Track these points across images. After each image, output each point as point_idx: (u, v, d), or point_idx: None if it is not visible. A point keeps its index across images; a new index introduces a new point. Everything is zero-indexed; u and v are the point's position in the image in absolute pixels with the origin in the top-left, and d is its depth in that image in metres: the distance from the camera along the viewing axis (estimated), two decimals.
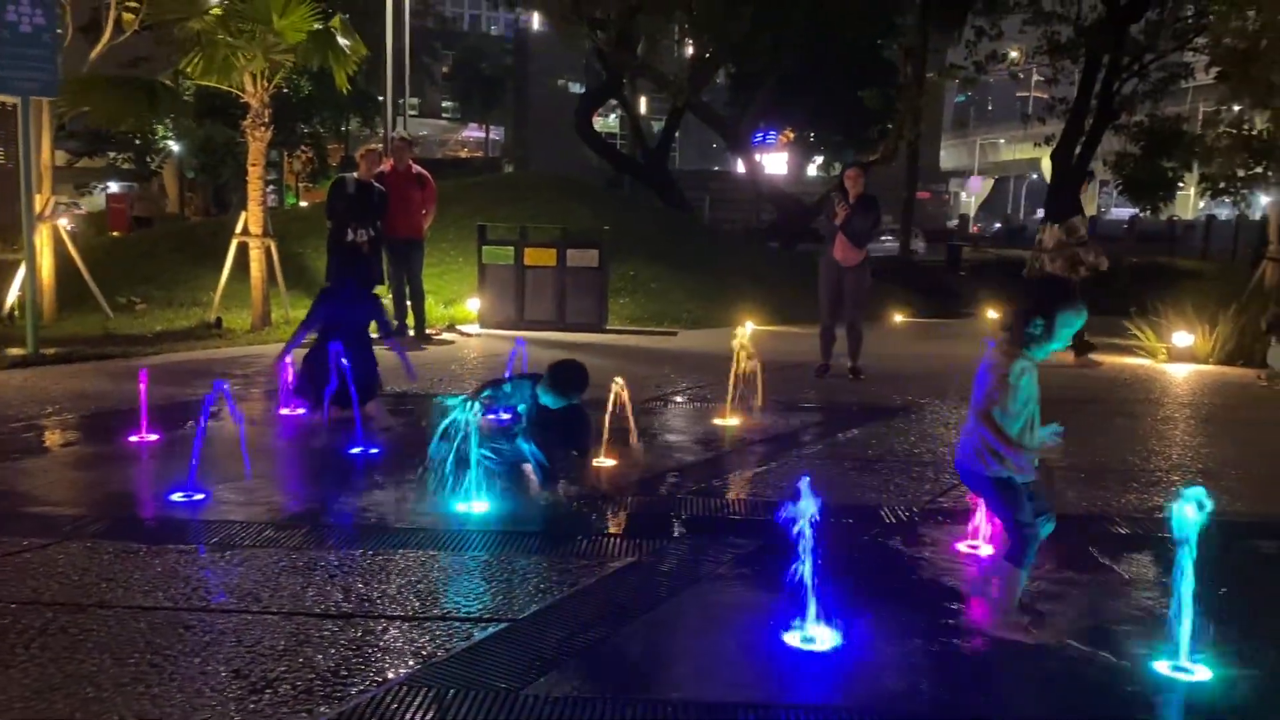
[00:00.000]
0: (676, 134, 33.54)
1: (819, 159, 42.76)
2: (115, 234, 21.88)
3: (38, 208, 10.72)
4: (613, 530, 4.64)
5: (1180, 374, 9.83)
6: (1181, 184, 21.36)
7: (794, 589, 3.28)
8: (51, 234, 10.92)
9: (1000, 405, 3.31)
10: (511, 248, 12.14)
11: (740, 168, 31.40)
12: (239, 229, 11.09)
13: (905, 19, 22.47)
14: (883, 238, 7.64)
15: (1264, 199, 12.79)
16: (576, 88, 51.51)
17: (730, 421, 6.83)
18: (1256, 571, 4.29)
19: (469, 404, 4.72)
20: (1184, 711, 3.00)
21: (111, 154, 30.87)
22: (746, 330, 7.14)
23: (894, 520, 4.76)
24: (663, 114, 36.90)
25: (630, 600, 3.69)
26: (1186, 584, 3.10)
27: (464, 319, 12.20)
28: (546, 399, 4.95)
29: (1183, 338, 10.60)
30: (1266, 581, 4.21)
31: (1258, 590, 4.03)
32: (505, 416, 5.22)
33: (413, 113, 46.96)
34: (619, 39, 22.91)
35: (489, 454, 4.92)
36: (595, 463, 5.53)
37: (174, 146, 28.03)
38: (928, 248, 26.67)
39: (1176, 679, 3.13)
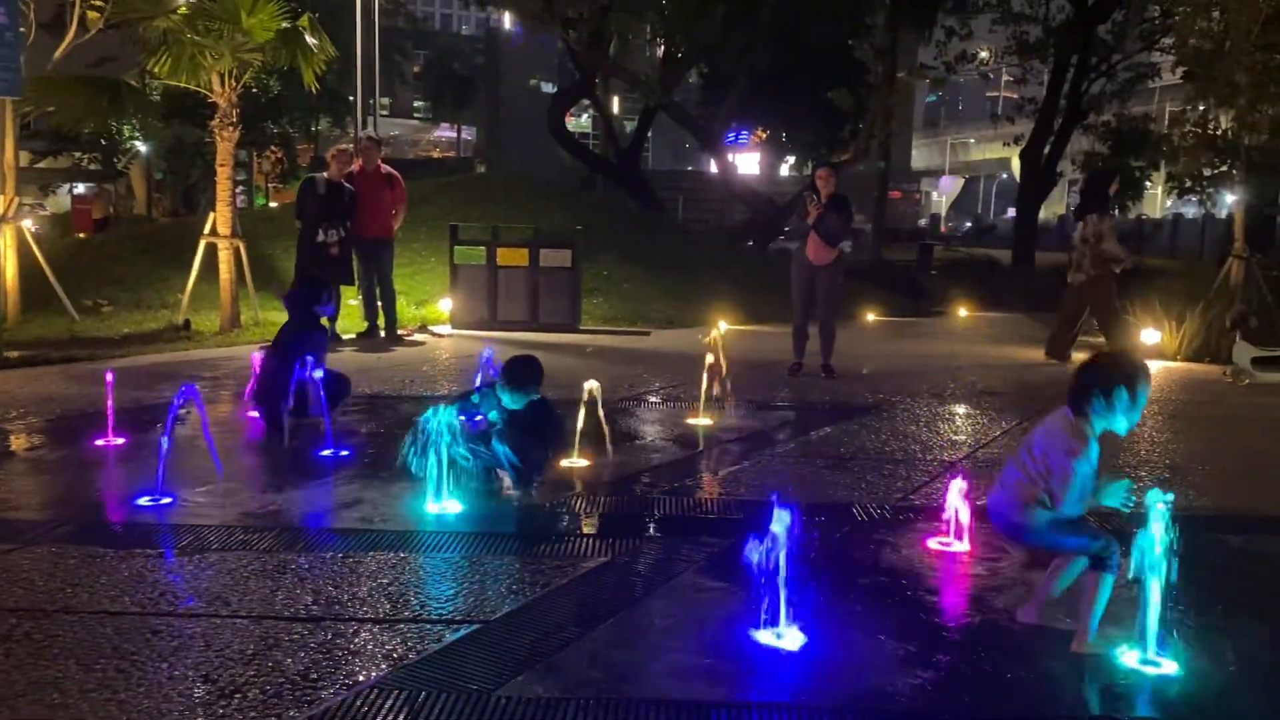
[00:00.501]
0: (649, 134, 33.55)
1: (791, 159, 42.89)
2: (81, 235, 21.61)
3: (1, 208, 10.59)
4: (585, 530, 4.63)
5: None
6: (1149, 183, 21.60)
7: (767, 588, 3.28)
8: (15, 235, 10.78)
9: (1062, 498, 3.24)
10: (484, 248, 12.09)
11: (713, 168, 31.46)
12: (207, 230, 10.98)
13: (875, 19, 22.60)
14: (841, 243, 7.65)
15: (1229, 198, 12.94)
16: (549, 87, 51.43)
17: (704, 420, 6.83)
18: (1223, 565, 4.34)
19: (445, 411, 4.72)
20: (1153, 704, 3.02)
21: (77, 154, 30.49)
22: (719, 330, 7.15)
23: (866, 518, 4.77)
24: (635, 114, 36.90)
25: (603, 600, 3.68)
26: (1154, 579, 3.13)
27: (436, 319, 12.14)
28: (507, 398, 4.94)
29: (1150, 335, 10.72)
30: (1233, 575, 4.26)
31: (1224, 584, 4.07)
32: (479, 419, 5.19)
33: (384, 113, 46.69)
34: (591, 38, 22.88)
35: (465, 455, 4.90)
36: (568, 463, 5.52)
37: (141, 147, 27.73)
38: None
39: (1145, 672, 3.15)
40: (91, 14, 11.48)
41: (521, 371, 4.99)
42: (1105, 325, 10.25)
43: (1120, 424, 3.30)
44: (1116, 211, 10.38)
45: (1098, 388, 3.27)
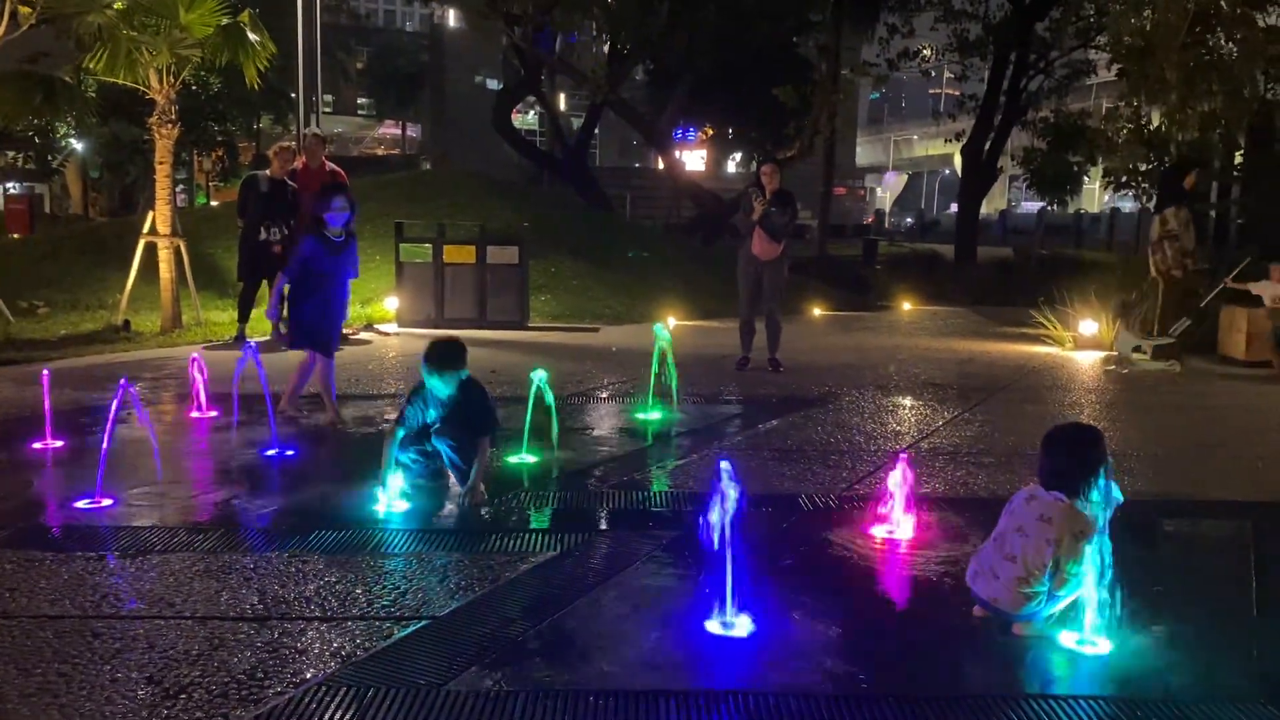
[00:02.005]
0: (596, 131, 33.52)
1: (737, 155, 43.13)
2: (14, 236, 21.10)
3: None
4: (534, 525, 4.64)
5: (1086, 361, 10.15)
6: (1087, 178, 22.05)
7: (715, 577, 3.32)
8: None
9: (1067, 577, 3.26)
10: (429, 245, 12.00)
11: (660, 164, 31.51)
12: (146, 229, 10.78)
13: (819, 16, 22.79)
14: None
15: None
16: (494, 84, 51.13)
17: (653, 415, 6.86)
18: (1157, 548, 4.47)
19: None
20: (1090, 681, 3.11)
21: (10, 153, 29.76)
22: (668, 326, 7.18)
23: (812, 507, 4.84)
24: (582, 111, 36.87)
25: (552, 594, 3.69)
26: (1092, 562, 3.23)
27: (381, 318, 12.04)
28: (435, 384, 4.88)
29: (1088, 326, 10.96)
30: (1166, 557, 4.39)
31: (1157, 566, 4.20)
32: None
33: (327, 110, 46.08)
34: (535, 35, 22.81)
35: (414, 458, 4.89)
36: (517, 459, 5.52)
37: (76, 145, 27.14)
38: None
39: (1082, 652, 3.24)
40: (23, 9, 11.19)
41: (442, 352, 4.93)
42: (1165, 323, 9.95)
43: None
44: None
45: (1099, 467, 3.31)
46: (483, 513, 4.70)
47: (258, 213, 9.90)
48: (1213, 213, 15.74)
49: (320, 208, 6.41)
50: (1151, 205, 16.10)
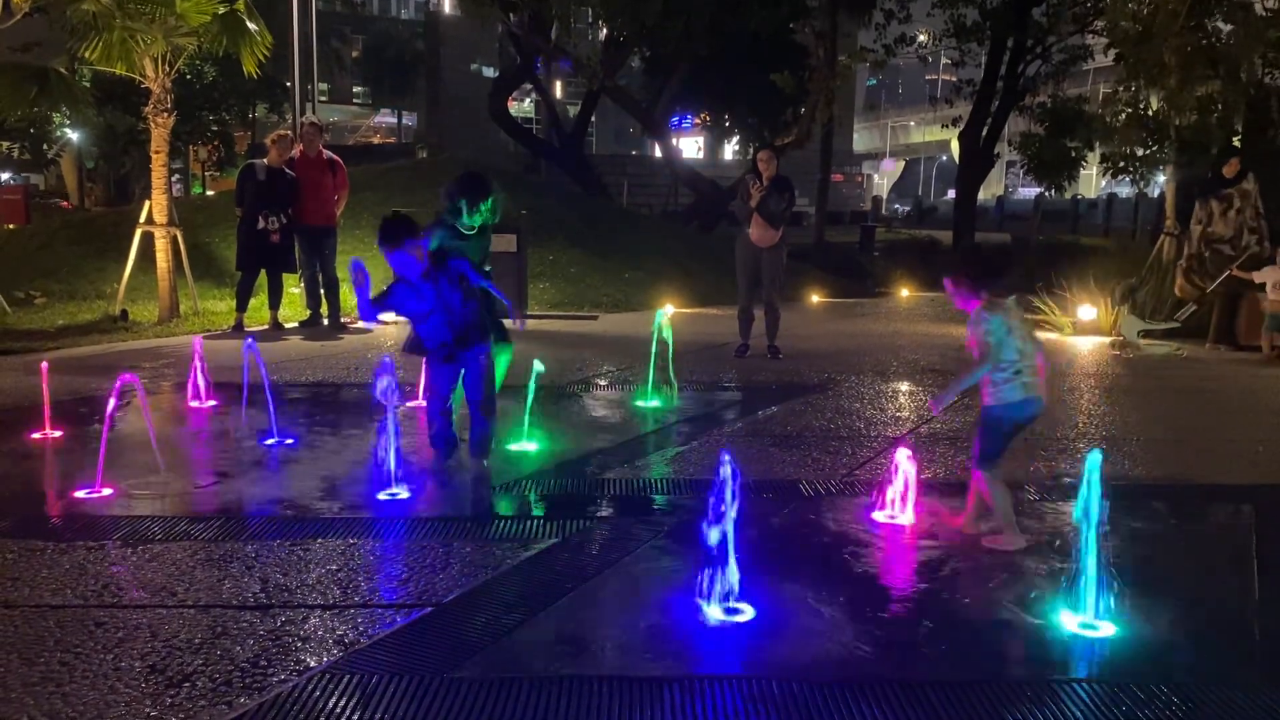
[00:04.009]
0: (593, 118, 33.42)
1: (734, 142, 43.00)
2: (10, 226, 21.02)
3: None
4: (536, 512, 4.64)
5: (1085, 346, 10.16)
6: (1085, 163, 21.99)
7: (716, 564, 3.32)
8: None
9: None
10: None
11: (657, 152, 31.42)
12: (143, 218, 10.75)
13: (815, 2, 22.70)
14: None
15: (1161, 177, 13.24)
16: (490, 72, 50.91)
17: (653, 403, 6.86)
18: (1157, 532, 4.47)
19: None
20: (1091, 666, 3.11)
21: (4, 144, 29.65)
22: (667, 313, 7.18)
23: (812, 493, 4.84)
24: (578, 98, 36.73)
25: (554, 581, 3.69)
26: (1092, 546, 3.23)
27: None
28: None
29: (1087, 311, 10.96)
30: (1166, 542, 4.39)
31: (1158, 550, 4.20)
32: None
33: (322, 98, 45.86)
34: (531, 22, 22.72)
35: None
36: (518, 446, 5.53)
37: (71, 135, 27.04)
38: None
39: (1084, 635, 3.25)
40: None
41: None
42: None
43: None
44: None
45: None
46: (485, 499, 4.69)
47: (256, 202, 9.88)
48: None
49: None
50: (1147, 190, 16.11)
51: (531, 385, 5.52)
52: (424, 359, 5.17)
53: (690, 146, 43.74)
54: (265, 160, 10.10)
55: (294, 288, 11.25)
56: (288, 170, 10.05)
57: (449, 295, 4.88)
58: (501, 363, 5.56)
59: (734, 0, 20.83)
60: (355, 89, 63.99)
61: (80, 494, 4.62)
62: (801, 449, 5.70)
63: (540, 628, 3.30)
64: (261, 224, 9.84)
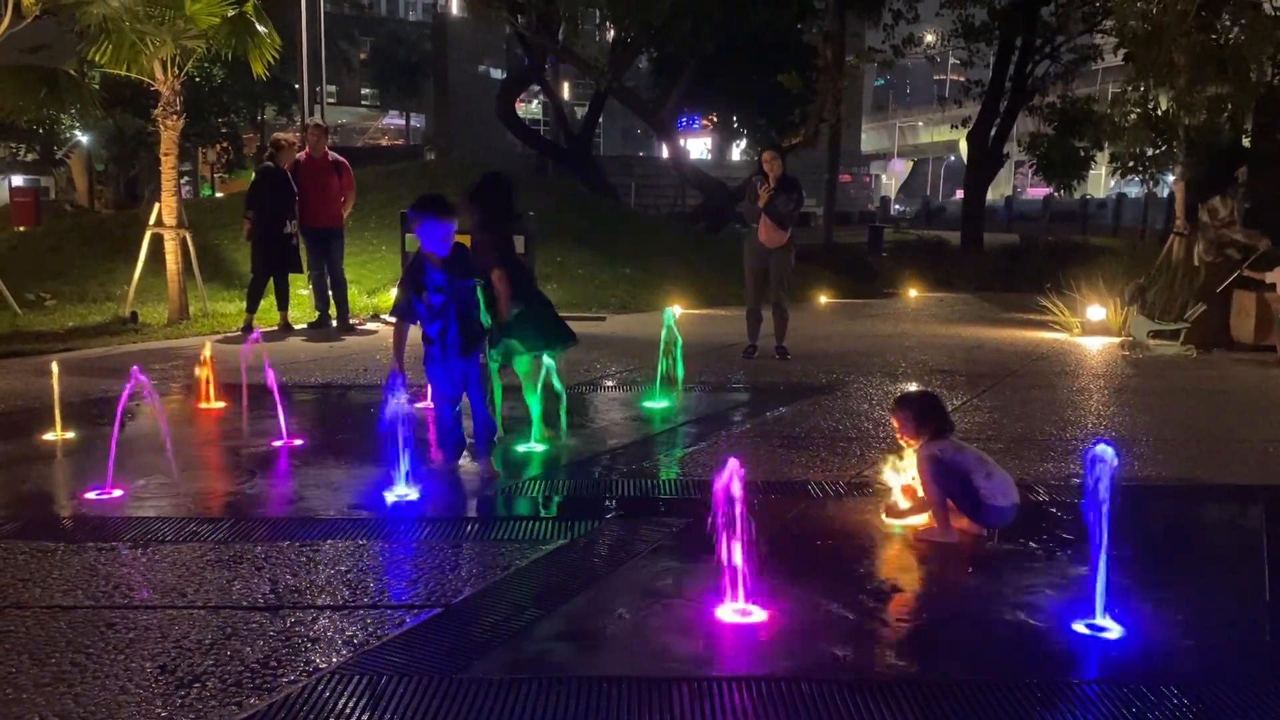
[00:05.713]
0: (600, 119, 33.43)
1: (742, 143, 42.99)
2: (20, 228, 21.10)
3: None
4: (545, 513, 4.64)
5: (1094, 347, 10.13)
6: (1094, 163, 21.93)
7: (725, 565, 3.31)
8: None
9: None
10: None
11: (664, 153, 31.44)
12: (153, 220, 10.78)
13: (822, 3, 22.66)
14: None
15: (1170, 176, 13.19)
16: (498, 73, 50.98)
17: (661, 403, 6.86)
18: (1168, 533, 4.46)
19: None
20: (1101, 668, 3.10)
21: (13, 145, 29.72)
22: (675, 313, 7.18)
23: (821, 495, 4.83)
24: (586, 99, 36.76)
25: (564, 581, 3.69)
26: (1101, 547, 3.22)
27: (388, 308, 12.03)
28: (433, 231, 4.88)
29: (1095, 312, 10.93)
30: (1177, 543, 4.38)
31: (1169, 551, 4.19)
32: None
33: (331, 100, 46.01)
34: (539, 23, 22.73)
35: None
36: (527, 447, 5.53)
37: (81, 137, 27.13)
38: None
39: (1096, 637, 3.24)
40: (26, 1, 11.18)
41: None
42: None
43: None
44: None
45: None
46: (493, 500, 4.69)
47: (278, 205, 9.98)
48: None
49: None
50: (1157, 190, 16.06)
51: (539, 386, 5.52)
52: (424, 361, 5.16)
53: (698, 147, 43.73)
54: (277, 163, 10.16)
55: (302, 289, 11.27)
56: (289, 174, 10.17)
57: (460, 285, 4.92)
58: (550, 363, 5.57)
59: (741, 0, 20.82)
60: (364, 91, 64.13)
61: (91, 495, 4.64)
62: (810, 450, 5.69)
63: (550, 628, 3.30)
64: (288, 228, 10.00)
